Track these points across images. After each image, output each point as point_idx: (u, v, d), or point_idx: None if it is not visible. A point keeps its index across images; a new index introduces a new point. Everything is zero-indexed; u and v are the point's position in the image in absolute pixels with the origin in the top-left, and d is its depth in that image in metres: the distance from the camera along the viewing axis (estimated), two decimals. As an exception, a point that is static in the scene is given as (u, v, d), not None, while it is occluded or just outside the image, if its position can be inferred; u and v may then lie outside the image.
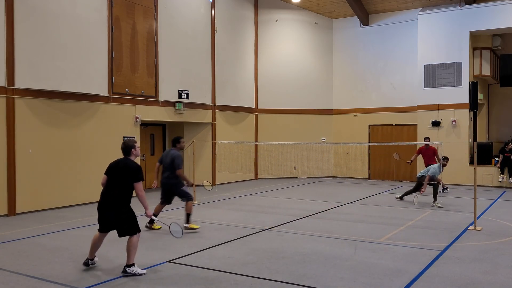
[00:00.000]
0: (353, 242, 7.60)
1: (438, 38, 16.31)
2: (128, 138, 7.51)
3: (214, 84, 16.02)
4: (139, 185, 6.08)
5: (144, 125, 14.61)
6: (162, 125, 15.93)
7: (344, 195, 13.52)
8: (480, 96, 16.31)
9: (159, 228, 8.57)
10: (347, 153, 17.64)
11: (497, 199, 12.72)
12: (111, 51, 12.26)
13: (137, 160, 6.77)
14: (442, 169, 11.84)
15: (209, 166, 16.11)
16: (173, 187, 8.58)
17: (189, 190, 8.98)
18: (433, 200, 11.70)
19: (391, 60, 17.93)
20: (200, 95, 15.25)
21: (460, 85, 15.94)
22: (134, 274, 5.86)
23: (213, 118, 16.09)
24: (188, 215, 8.56)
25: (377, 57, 18.21)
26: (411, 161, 13.68)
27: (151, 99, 13.56)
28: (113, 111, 12.49)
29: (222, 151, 16.12)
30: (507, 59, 16.90)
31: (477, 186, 9.69)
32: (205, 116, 15.78)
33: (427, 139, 13.67)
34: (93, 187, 11.94)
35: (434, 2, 16.80)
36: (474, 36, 16.35)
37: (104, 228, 6.15)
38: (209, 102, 15.77)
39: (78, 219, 9.75)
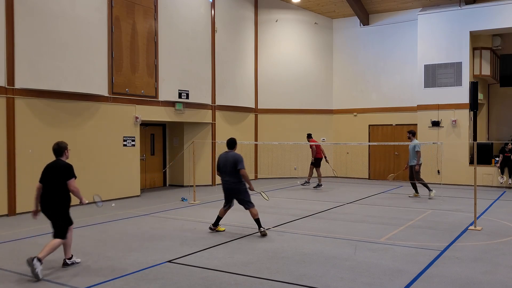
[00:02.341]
0: (353, 242, 7.60)
1: (438, 38, 16.32)
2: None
3: (214, 84, 16.02)
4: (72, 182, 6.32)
5: (144, 125, 14.61)
6: (162, 125, 15.93)
7: (344, 195, 13.52)
8: (480, 96, 16.31)
9: (223, 230, 8.50)
10: (347, 153, 17.65)
11: (497, 199, 12.72)
12: (111, 51, 12.26)
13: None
14: None
15: (209, 166, 16.11)
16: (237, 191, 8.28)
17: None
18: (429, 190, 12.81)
19: (391, 60, 17.93)
20: (200, 95, 15.25)
21: (460, 85, 15.95)
22: (35, 269, 5.73)
23: (213, 118, 16.09)
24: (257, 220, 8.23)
25: (377, 57, 18.21)
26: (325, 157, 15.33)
27: (151, 99, 13.57)
28: (113, 111, 12.50)
29: (222, 151, 16.07)
30: (507, 59, 16.91)
31: (477, 186, 9.69)
32: (205, 116, 15.78)
33: (309, 135, 15.43)
34: (93, 187, 11.96)
35: (434, 2, 16.80)
36: (474, 36, 16.36)
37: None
38: (209, 102, 15.77)
39: (78, 219, 9.73)
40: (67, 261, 6.37)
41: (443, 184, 14.80)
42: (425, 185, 12.75)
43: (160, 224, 9.16)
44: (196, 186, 12.97)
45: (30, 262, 5.73)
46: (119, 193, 12.68)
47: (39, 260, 5.81)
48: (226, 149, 8.69)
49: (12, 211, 10.24)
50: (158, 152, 15.78)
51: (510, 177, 15.03)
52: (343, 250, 7.09)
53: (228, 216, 10.17)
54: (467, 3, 15.94)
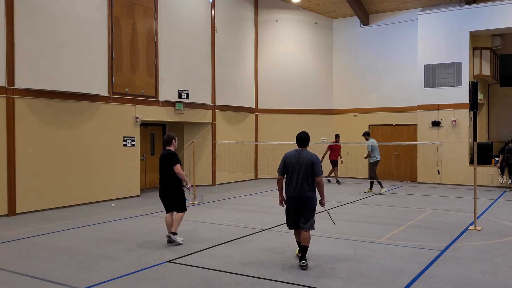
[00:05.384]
0: (353, 242, 7.61)
1: (438, 38, 16.31)
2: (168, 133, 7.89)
3: (214, 84, 16.02)
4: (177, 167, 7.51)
5: (144, 125, 14.60)
6: (162, 125, 15.93)
7: (344, 195, 13.51)
8: (480, 96, 16.31)
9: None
10: (347, 153, 17.64)
11: (497, 199, 12.72)
12: (111, 51, 12.26)
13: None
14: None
15: (209, 166, 16.10)
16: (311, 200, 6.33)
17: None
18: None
19: (391, 60, 17.92)
20: (200, 95, 15.25)
21: (460, 85, 15.94)
22: (175, 241, 7.42)
23: (213, 118, 16.09)
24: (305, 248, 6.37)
25: (377, 57, 18.21)
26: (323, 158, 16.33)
27: (151, 99, 13.56)
28: (113, 111, 12.49)
29: (222, 151, 16.12)
30: (507, 59, 16.90)
31: (477, 186, 9.69)
32: (205, 116, 15.78)
33: (338, 136, 16.52)
34: (93, 187, 11.97)
35: (434, 2, 16.79)
36: (474, 36, 16.35)
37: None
38: (209, 102, 15.77)
39: (78, 219, 9.75)
40: (172, 235, 7.49)
41: (443, 184, 14.81)
42: (379, 182, 13.99)
43: (160, 224, 9.15)
44: (196, 186, 12.96)
45: (169, 239, 7.42)
46: (119, 193, 12.68)
47: (175, 233, 7.46)
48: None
49: (12, 211, 10.24)
50: (158, 152, 15.75)
51: (510, 177, 15.02)
52: (343, 250, 7.10)
53: (228, 216, 10.20)
54: (467, 3, 15.93)
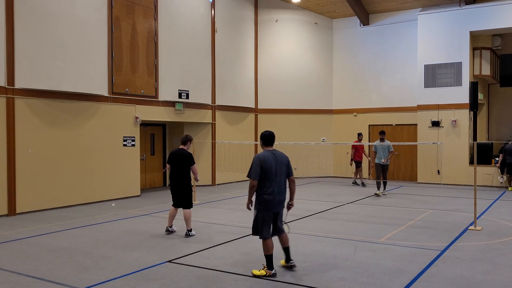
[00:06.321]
0: (353, 242, 7.61)
1: (438, 38, 16.32)
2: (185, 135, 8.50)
3: (214, 84, 16.02)
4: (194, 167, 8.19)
5: (144, 125, 14.61)
6: (162, 125, 15.93)
7: (344, 195, 13.52)
8: (480, 96, 16.31)
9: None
10: (347, 153, 17.63)
11: (497, 199, 12.72)
12: (111, 51, 12.26)
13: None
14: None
15: (209, 166, 16.11)
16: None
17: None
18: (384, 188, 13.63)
19: (391, 60, 17.93)
20: (200, 95, 15.25)
21: (460, 85, 15.94)
22: (190, 235, 8.01)
23: (213, 118, 16.09)
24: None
25: (377, 57, 18.21)
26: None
27: (151, 99, 13.57)
28: (113, 111, 12.49)
29: (222, 151, 16.12)
30: (507, 59, 16.91)
31: (477, 186, 9.69)
32: (205, 116, 15.78)
33: (360, 135, 16.04)
34: (93, 187, 11.97)
35: (434, 2, 16.80)
36: (474, 36, 16.35)
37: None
38: (209, 102, 15.77)
39: (78, 219, 9.75)
40: (188, 232, 8.05)
41: (443, 184, 14.81)
42: (379, 183, 13.56)
43: (160, 224, 9.16)
44: (196, 186, 12.96)
45: (188, 234, 7.99)
46: (119, 193, 12.68)
47: (190, 230, 8.05)
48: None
49: (12, 211, 10.24)
50: (158, 152, 15.78)
51: (508, 175, 14.99)
52: (343, 250, 7.09)
53: (228, 216, 10.19)
54: (467, 3, 15.93)
